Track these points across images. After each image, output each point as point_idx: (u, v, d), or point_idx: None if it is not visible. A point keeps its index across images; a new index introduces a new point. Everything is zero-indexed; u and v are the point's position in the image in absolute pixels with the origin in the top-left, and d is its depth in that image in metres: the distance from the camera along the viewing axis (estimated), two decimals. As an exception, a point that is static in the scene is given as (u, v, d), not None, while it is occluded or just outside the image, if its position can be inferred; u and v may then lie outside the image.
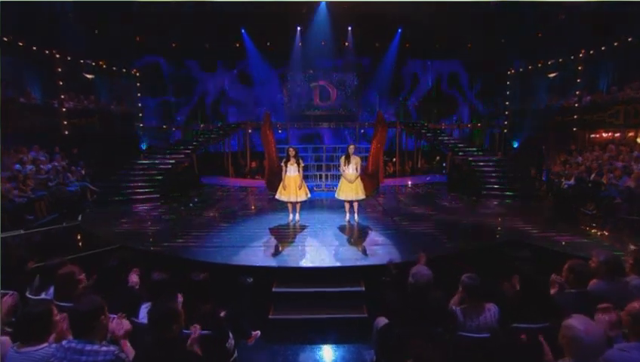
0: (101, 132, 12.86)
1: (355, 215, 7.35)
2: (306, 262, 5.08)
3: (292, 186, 7.13)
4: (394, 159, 15.39)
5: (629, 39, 9.76)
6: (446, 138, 13.39)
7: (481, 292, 2.76)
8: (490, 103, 15.24)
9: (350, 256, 5.29)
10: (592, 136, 11.44)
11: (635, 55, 10.03)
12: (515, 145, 13.85)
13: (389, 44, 15.91)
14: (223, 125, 16.82)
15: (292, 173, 7.18)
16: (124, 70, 14.44)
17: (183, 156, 12.92)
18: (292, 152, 7.17)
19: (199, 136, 14.86)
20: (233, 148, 16.34)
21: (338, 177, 12.93)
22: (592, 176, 9.04)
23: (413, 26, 13.84)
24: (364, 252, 5.48)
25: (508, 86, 14.41)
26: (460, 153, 11.53)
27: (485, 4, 11.64)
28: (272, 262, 5.12)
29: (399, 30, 15.60)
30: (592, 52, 11.03)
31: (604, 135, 11.08)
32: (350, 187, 7.09)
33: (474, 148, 12.41)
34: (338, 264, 5.02)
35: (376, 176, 11.62)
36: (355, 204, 7.33)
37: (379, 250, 5.53)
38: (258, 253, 5.46)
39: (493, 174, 10.23)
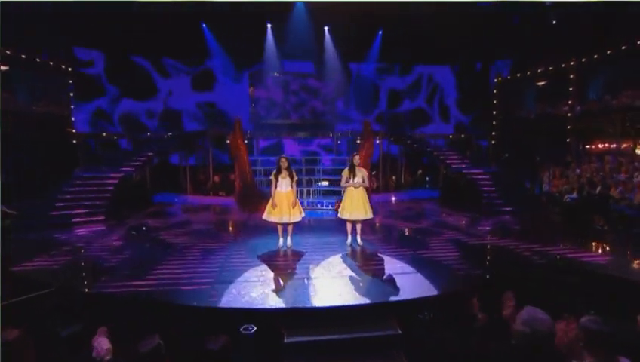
0: (18, 138, 11.08)
1: (358, 237, 6.81)
2: (320, 301, 4.41)
3: (284, 204, 6.45)
4: (373, 173, 15.19)
5: (623, 47, 10.40)
6: (435, 149, 13.41)
7: (611, 341, 2.29)
8: (476, 112, 15.64)
9: (374, 290, 4.71)
10: (587, 146, 11.96)
11: (628, 63, 10.68)
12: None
13: (370, 47, 15.94)
14: (178, 134, 15.72)
15: (284, 188, 6.51)
16: (53, 63, 12.83)
17: (132, 169, 11.70)
18: (284, 163, 6.51)
19: (153, 145, 13.64)
20: (190, 161, 15.28)
21: (318, 193, 12.63)
22: (598, 189, 9.29)
23: (396, 28, 13.93)
24: (390, 284, 4.92)
25: (495, 94, 14.88)
26: (454, 166, 11.49)
27: (472, 4, 11.96)
28: (277, 303, 4.38)
29: (380, 32, 15.68)
30: (584, 60, 11.66)
31: (600, 145, 11.62)
32: (358, 204, 6.58)
33: (465, 160, 12.50)
34: (363, 301, 4.40)
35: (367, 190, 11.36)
36: (359, 226, 6.80)
37: (405, 280, 5.02)
38: (255, 291, 4.69)
39: (493, 188, 10.23)
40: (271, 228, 8.11)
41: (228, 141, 15.61)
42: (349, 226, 6.89)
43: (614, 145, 11.16)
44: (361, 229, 6.83)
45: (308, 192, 12.12)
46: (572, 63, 12.00)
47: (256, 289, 4.76)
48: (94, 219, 8.96)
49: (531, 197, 10.30)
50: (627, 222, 7.94)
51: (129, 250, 6.64)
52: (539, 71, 13.06)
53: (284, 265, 5.74)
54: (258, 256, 6.21)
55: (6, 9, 8.99)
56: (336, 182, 12.74)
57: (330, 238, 7.35)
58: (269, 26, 15.23)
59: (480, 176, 10.95)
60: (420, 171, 16.96)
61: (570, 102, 12.19)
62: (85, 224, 8.52)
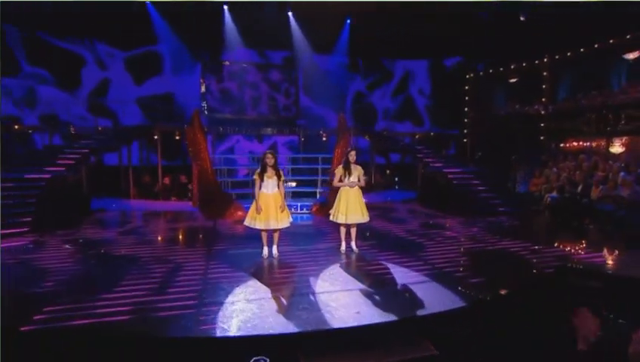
0: None
1: (353, 243, 6.47)
2: (339, 320, 3.96)
3: (271, 208, 5.92)
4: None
5: (595, 45, 11.13)
6: (409, 147, 13.50)
7: None
8: (448, 108, 16.03)
9: (394, 304, 4.35)
10: (562, 145, 12.66)
11: (601, 62, 11.45)
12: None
13: (337, 38, 15.73)
14: (118, 129, 14.38)
15: (270, 189, 5.98)
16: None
17: (63, 169, 10.36)
18: (270, 160, 5.97)
19: (93, 140, 12.28)
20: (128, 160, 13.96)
21: (286, 195, 12.01)
22: (580, 188, 9.77)
23: (366, 18, 13.86)
24: (409, 296, 4.60)
25: (467, 90, 15.35)
26: (435, 165, 11.58)
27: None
28: (287, 326, 3.86)
29: (347, 21, 15.52)
30: (557, 57, 12.34)
31: (575, 144, 12.35)
32: (354, 206, 6.22)
33: (441, 159, 12.69)
34: (388, 317, 4.02)
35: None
36: (354, 230, 6.45)
37: (423, 291, 4.73)
38: (254, 313, 4.14)
39: (484, 188, 10.41)
40: (249, 236, 7.61)
41: (177, 137, 14.79)
42: (342, 231, 6.52)
43: (588, 144, 11.89)
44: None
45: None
46: (545, 60, 12.65)
47: (256, 309, 4.21)
48: (16, 231, 7.68)
49: (519, 196, 10.59)
50: (614, 222, 8.36)
51: (73, 269, 5.70)
52: (512, 67, 13.64)
53: (279, 279, 5.21)
54: (243, 269, 5.60)
55: (6, 9, 9.05)
56: (307, 183, 12.34)
57: (318, 245, 6.97)
58: (225, 8, 14.44)
59: (462, 176, 11.11)
60: (389, 171, 17.07)
61: (543, 99, 12.83)
62: (4, 238, 7.24)
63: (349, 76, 16.68)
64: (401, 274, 5.33)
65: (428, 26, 13.86)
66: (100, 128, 13.91)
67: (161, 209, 11.40)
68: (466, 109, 15.41)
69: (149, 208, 11.45)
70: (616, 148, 11.09)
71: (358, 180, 6.35)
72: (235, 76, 16.40)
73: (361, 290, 4.77)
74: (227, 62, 16.27)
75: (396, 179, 16.52)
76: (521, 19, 12.90)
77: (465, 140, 15.29)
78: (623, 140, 11.02)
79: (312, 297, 4.59)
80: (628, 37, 10.43)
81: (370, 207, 6.72)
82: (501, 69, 13.99)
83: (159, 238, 7.78)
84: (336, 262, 5.95)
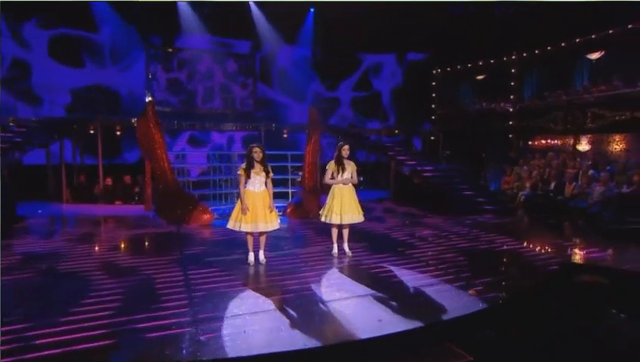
0: None
1: (346, 244, 6.31)
2: (361, 331, 3.76)
3: (259, 208, 5.60)
4: (300, 173, 14.87)
5: (563, 44, 11.92)
6: (379, 145, 13.64)
7: None
8: (415, 104, 16.41)
9: (414, 310, 4.24)
10: (530, 143, 13.42)
11: (567, 61, 12.28)
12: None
13: (300, 28, 15.55)
14: (46, 121, 13.06)
15: (257, 187, 5.66)
16: None
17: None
18: (258, 154, 5.65)
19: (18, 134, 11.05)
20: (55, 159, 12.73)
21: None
22: (552, 185, 10.38)
23: (330, 9, 13.83)
24: (425, 300, 4.52)
25: (434, 87, 15.81)
26: (409, 163, 11.75)
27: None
28: (307, 340, 3.58)
29: (311, 10, 15.40)
30: (525, 55, 13.07)
31: (543, 142, 13.13)
32: (349, 205, 6.07)
33: (413, 156, 12.93)
34: (411, 325, 3.89)
35: (318, 193, 10.89)
36: (347, 231, 6.29)
37: (437, 294, 4.67)
38: (261, 327, 3.84)
39: (463, 186, 10.70)
40: (223, 241, 7.28)
41: (118, 132, 13.76)
42: (334, 233, 6.34)
43: (556, 142, 12.71)
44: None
45: (226, 196, 10.93)
46: (513, 58, 13.36)
47: (265, 324, 3.89)
48: None
49: (512, 196, 11.02)
50: (589, 218, 8.95)
51: (16, 287, 4.98)
52: (479, 64, 14.25)
53: (278, 288, 4.90)
54: (230, 278, 5.22)
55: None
56: (275, 183, 11.96)
57: (306, 249, 6.76)
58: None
59: (438, 173, 11.37)
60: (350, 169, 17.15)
61: (511, 97, 13.53)
62: None
63: (312, 68, 16.52)
64: (408, 277, 5.24)
65: (395, 19, 14.14)
66: (13, 119, 12.43)
67: (104, 214, 10.50)
68: (433, 106, 15.86)
69: (89, 213, 10.50)
70: (583, 146, 11.94)
71: (351, 177, 6.19)
72: (186, 65, 15.63)
73: (373, 296, 4.61)
74: (179, 49, 15.50)
75: (361, 178, 16.60)
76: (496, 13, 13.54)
77: (432, 138, 15.74)
78: (589, 138, 11.90)
79: (322, 306, 4.35)
80: (593, 36, 11.27)
81: None
82: (469, 65, 14.56)
83: (116, 247, 7.07)
84: (334, 267, 5.75)
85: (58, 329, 3.74)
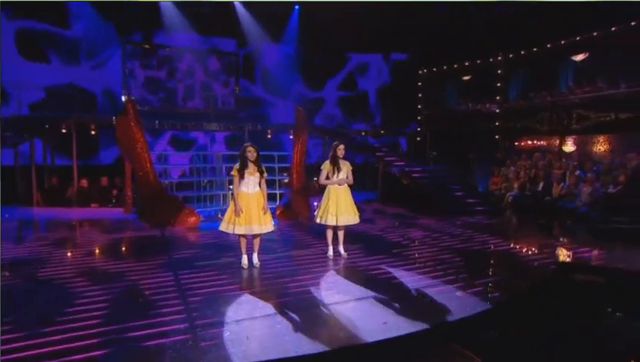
0: None
1: (342, 247, 6.30)
2: (367, 334, 3.74)
3: (253, 209, 5.53)
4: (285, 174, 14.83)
5: (548, 45, 12.24)
6: (365, 145, 13.72)
7: None
8: (401, 104, 16.53)
9: (418, 311, 4.25)
10: (516, 143, 13.70)
11: (552, 62, 12.60)
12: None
13: (285, 25, 15.49)
14: (15, 119, 12.58)
15: (251, 188, 5.59)
16: None
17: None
18: (252, 154, 5.58)
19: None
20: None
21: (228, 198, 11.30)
22: (541, 186, 10.62)
23: (316, 7, 13.84)
24: (429, 301, 4.52)
25: (420, 87, 15.99)
26: (399, 163, 11.84)
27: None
28: (313, 345, 3.54)
29: (296, 8, 15.36)
30: (511, 56, 13.35)
31: (529, 143, 13.43)
32: (346, 206, 6.05)
33: (401, 157, 13.04)
34: (417, 326, 3.89)
35: (306, 194, 10.85)
36: (342, 233, 6.28)
37: (440, 295, 4.69)
38: (265, 332, 3.79)
39: (451, 187, 10.83)
40: (213, 244, 7.22)
41: (93, 131, 13.39)
42: (329, 234, 6.31)
43: (542, 143, 13.02)
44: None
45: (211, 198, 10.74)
46: (500, 59, 13.63)
47: (266, 329, 3.85)
48: None
49: (501, 196, 11.21)
50: (577, 218, 9.20)
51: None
52: (466, 64, 14.48)
53: (276, 291, 4.84)
54: (224, 282, 5.13)
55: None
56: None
57: (300, 251, 6.70)
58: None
59: (428, 175, 11.49)
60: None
61: (497, 98, 13.80)
62: None
63: (296, 67, 16.45)
64: (408, 279, 5.26)
65: (381, 19, 14.24)
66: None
67: (80, 217, 10.16)
68: (419, 106, 16.03)
69: (63, 217, 10.16)
70: (569, 146, 12.27)
71: (346, 177, 6.18)
72: (166, 63, 15.36)
73: (375, 298, 4.60)
74: (159, 46, 15.22)
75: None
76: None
77: (419, 138, 15.90)
78: (574, 139, 12.24)
79: (324, 309, 4.31)
80: (577, 38, 11.61)
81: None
82: (455, 65, 14.79)
83: (97, 252, 6.85)
84: (331, 269, 5.73)
85: (45, 339, 3.59)
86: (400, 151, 14.00)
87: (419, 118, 16.09)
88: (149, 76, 15.48)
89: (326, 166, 6.16)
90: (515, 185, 11.39)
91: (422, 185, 11.05)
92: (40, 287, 5.04)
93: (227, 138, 15.86)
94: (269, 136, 16.24)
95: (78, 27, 14.13)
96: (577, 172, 10.27)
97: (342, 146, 6.21)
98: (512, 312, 4.49)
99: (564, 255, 6.55)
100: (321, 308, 4.37)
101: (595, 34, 11.27)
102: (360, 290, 4.85)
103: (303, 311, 4.25)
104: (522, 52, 12.94)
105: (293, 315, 4.17)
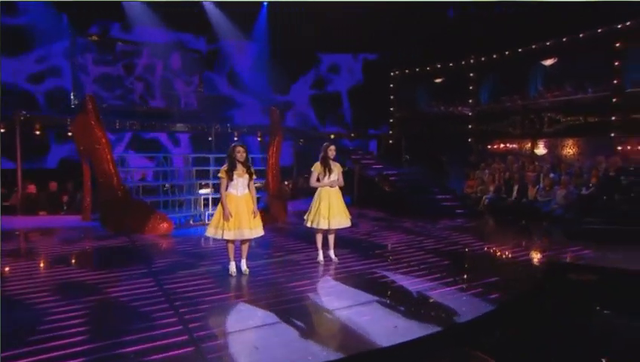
0: None
1: (332, 251, 6.32)
2: (380, 338, 3.76)
3: (243, 213, 5.44)
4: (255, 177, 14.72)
5: (519, 49, 12.88)
6: (347, 148, 13.86)
7: None
8: (373, 107, 16.81)
9: (426, 314, 4.33)
10: (489, 146, 14.28)
11: (523, 66, 13.28)
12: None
13: (254, 23, 15.38)
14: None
15: (240, 190, 5.51)
16: None
17: None
18: (242, 154, 5.51)
19: None
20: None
21: (196, 204, 10.94)
22: (516, 188, 11.13)
23: (284, 5, 13.88)
24: (435, 304, 4.61)
25: (392, 89, 16.34)
26: (376, 166, 12.03)
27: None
28: (326, 352, 3.52)
29: (264, 5, 15.31)
30: (483, 59, 13.93)
31: (501, 146, 14.03)
32: (338, 209, 6.07)
33: (377, 160, 13.27)
34: (429, 329, 3.96)
35: (283, 198, 10.80)
36: (332, 237, 6.30)
37: (443, 297, 4.80)
38: (273, 341, 3.73)
39: (430, 190, 11.11)
40: (192, 251, 7.06)
41: (37, 132, 12.68)
42: (319, 239, 6.30)
43: (514, 146, 13.65)
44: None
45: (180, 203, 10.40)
46: (472, 62, 14.19)
47: (273, 338, 3.77)
48: None
49: (478, 199, 11.59)
50: (553, 220, 9.71)
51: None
52: (438, 67, 14.97)
53: (273, 299, 4.74)
54: (215, 291, 5.00)
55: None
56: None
57: (288, 257, 6.63)
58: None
59: (402, 178, 11.74)
60: (306, 175, 17.23)
61: (470, 101, 14.35)
62: None
63: (266, 67, 16.33)
64: (406, 282, 5.33)
65: (354, 19, 14.47)
66: None
67: (27, 227, 9.52)
68: (391, 109, 16.37)
69: (7, 227, 9.44)
70: (540, 149, 12.95)
71: (337, 179, 6.20)
72: (124, 58, 14.82)
73: (379, 302, 4.63)
74: (117, 40, 14.67)
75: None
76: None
77: (391, 141, 16.23)
78: (545, 142, 12.93)
79: (329, 316, 4.30)
80: (547, 43, 12.31)
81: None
82: (427, 68, 15.25)
83: (61, 263, 6.45)
84: (325, 275, 5.72)
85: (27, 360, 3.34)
86: (373, 155, 14.21)
87: (391, 120, 16.42)
88: (104, 72, 14.87)
89: (316, 167, 6.15)
90: (491, 188, 11.87)
91: (399, 188, 11.27)
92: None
93: (192, 139, 15.51)
94: (236, 139, 16.05)
95: (24, 15, 13.35)
96: (551, 174, 10.86)
97: (333, 147, 6.22)
98: (517, 312, 4.67)
99: (549, 255, 6.88)
100: (326, 314, 4.35)
101: (564, 39, 11.99)
102: (361, 295, 4.86)
103: (308, 318, 4.22)
104: (494, 55, 13.54)
105: (299, 322, 4.12)
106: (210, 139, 15.28)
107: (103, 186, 9.10)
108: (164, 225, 8.28)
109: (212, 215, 9.65)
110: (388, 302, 4.65)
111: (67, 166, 13.43)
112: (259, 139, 15.78)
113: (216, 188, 11.25)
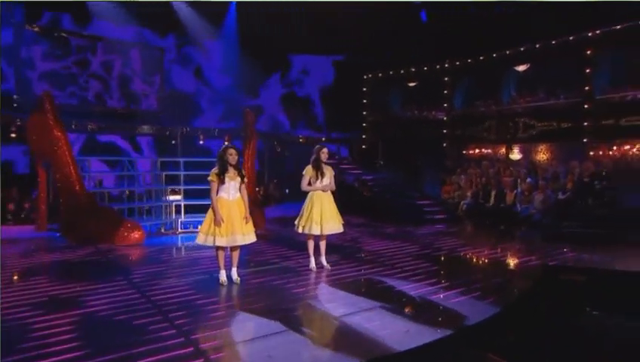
0: None
1: (324, 258, 6.39)
2: (396, 343, 3.88)
3: (235, 218, 5.45)
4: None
5: (494, 54, 13.52)
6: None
7: None
8: (346, 111, 17.03)
9: (433, 318, 4.49)
10: (464, 151, 14.83)
11: (497, 71, 13.93)
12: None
13: (221, 22, 15.28)
14: None
15: (232, 194, 5.52)
16: None
17: None
18: (234, 157, 5.52)
19: None
20: None
21: (165, 210, 10.65)
22: (494, 194, 11.62)
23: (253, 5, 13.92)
24: (441, 308, 4.78)
25: (365, 92, 16.66)
26: (355, 171, 12.23)
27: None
28: (341, 359, 3.60)
29: (233, 4, 15.26)
30: (457, 63, 14.49)
31: (476, 151, 14.60)
32: (331, 214, 6.17)
33: (354, 165, 13.49)
34: (441, 333, 4.11)
35: (259, 203, 10.77)
36: (324, 243, 6.39)
37: (446, 301, 4.99)
38: (287, 350, 3.76)
39: (410, 195, 11.41)
40: (173, 260, 6.87)
41: None
42: (311, 245, 6.37)
43: (489, 151, 14.25)
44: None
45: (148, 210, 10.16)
46: (446, 66, 14.73)
47: (282, 346, 3.79)
48: None
49: (457, 204, 11.97)
50: (531, 224, 10.23)
51: None
52: (412, 70, 15.43)
53: (275, 307, 4.74)
54: (211, 299, 4.95)
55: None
56: (200, 194, 11.43)
57: (278, 264, 6.67)
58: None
59: (380, 182, 12.01)
60: (276, 180, 17.20)
61: (445, 105, 14.87)
62: None
63: (233, 68, 16.21)
64: (406, 287, 5.48)
65: (327, 21, 14.68)
66: None
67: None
68: (364, 112, 16.68)
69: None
70: (515, 154, 13.60)
71: (329, 182, 6.29)
72: (78, 53, 14.31)
73: (383, 308, 4.74)
74: (70, 34, 14.15)
75: (287, 190, 16.70)
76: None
77: (364, 146, 16.52)
78: (520, 147, 13.60)
79: (336, 322, 4.37)
80: (521, 49, 13.00)
81: (289, 222, 6.79)
82: (401, 71, 15.68)
83: (28, 276, 6.15)
84: (321, 282, 5.79)
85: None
86: (349, 159, 14.42)
87: (364, 124, 16.72)
88: (53, 68, 14.27)
89: (308, 171, 6.20)
90: (468, 194, 12.33)
91: (379, 194, 11.51)
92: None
93: (155, 143, 15.15)
94: (202, 142, 15.86)
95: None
96: (528, 179, 11.42)
97: (325, 150, 6.30)
98: (522, 313, 4.91)
99: (537, 258, 7.26)
100: (333, 320, 4.41)
101: (537, 45, 12.71)
102: (363, 301, 4.96)
103: (317, 325, 4.29)
104: (469, 60, 14.13)
105: (307, 330, 4.17)
106: (173, 142, 15.00)
107: (63, 192, 8.75)
108: (136, 234, 8.04)
109: (185, 222, 9.66)
110: (392, 307, 4.77)
111: (9, 171, 12.72)
112: (226, 143, 15.59)
113: (189, 194, 11.08)
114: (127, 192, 11.69)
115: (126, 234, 7.98)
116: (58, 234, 8.80)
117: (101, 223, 8.22)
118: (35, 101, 10.43)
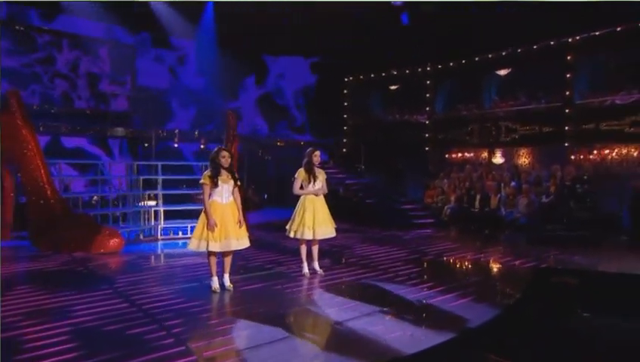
0: None
1: (316, 262, 6.49)
2: (403, 346, 4.00)
3: (229, 222, 5.49)
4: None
5: (476, 58, 13.92)
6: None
7: None
8: (326, 114, 17.17)
9: (435, 322, 4.63)
10: (447, 156, 15.16)
11: (478, 75, 14.35)
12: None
13: (198, 21, 15.22)
14: None
15: (226, 198, 5.56)
16: None
17: None
18: (227, 159, 5.55)
19: None
20: None
21: (143, 216, 10.47)
22: (478, 198, 11.96)
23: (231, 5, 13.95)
24: (440, 311, 4.94)
25: (346, 95, 16.86)
26: (339, 176, 12.37)
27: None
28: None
29: (210, 4, 15.22)
30: (439, 66, 14.85)
31: (459, 155, 14.96)
32: (323, 218, 6.28)
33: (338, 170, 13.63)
34: (445, 336, 4.25)
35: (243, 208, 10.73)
36: (316, 247, 6.48)
37: (445, 303, 5.15)
38: (295, 356, 3.82)
39: (396, 200, 11.62)
40: (156, 268, 6.80)
41: None
42: (303, 250, 6.44)
43: (471, 155, 14.63)
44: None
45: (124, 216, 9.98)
46: (428, 69, 15.08)
47: (290, 352, 3.86)
48: None
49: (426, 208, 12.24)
50: (516, 228, 10.60)
51: None
52: (394, 73, 15.71)
53: (273, 313, 4.78)
54: (207, 307, 4.96)
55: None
56: (179, 199, 11.30)
57: (270, 270, 6.73)
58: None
59: (363, 187, 12.18)
60: (253, 186, 17.17)
61: (427, 108, 15.20)
62: None
63: (210, 68, 16.13)
64: (403, 291, 5.63)
65: (306, 22, 14.82)
66: None
67: None
68: (345, 116, 16.87)
69: None
70: (498, 158, 14.02)
71: (321, 186, 6.38)
72: (42, 50, 13.96)
73: (384, 312, 4.86)
74: (34, 29, 13.81)
75: (265, 196, 16.69)
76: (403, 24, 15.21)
77: (345, 150, 16.69)
78: (502, 151, 14.03)
79: (340, 327, 4.44)
80: (503, 53, 13.46)
81: (272, 228, 6.88)
82: (383, 74, 15.94)
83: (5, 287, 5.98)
84: (317, 287, 5.88)
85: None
86: (332, 163, 14.53)
87: (345, 127, 16.90)
88: (13, 66, 13.85)
89: (300, 174, 6.28)
90: (452, 198, 12.64)
91: (363, 199, 11.68)
92: None
93: (127, 146, 14.90)
94: (176, 145, 15.71)
95: None
96: (513, 183, 11.81)
97: (318, 153, 6.40)
98: (523, 315, 5.12)
99: (530, 261, 7.54)
100: (336, 326, 4.48)
101: (518, 50, 13.18)
102: (363, 306, 5.05)
103: (320, 331, 4.36)
104: (451, 63, 14.51)
105: (312, 335, 4.24)
106: (146, 145, 14.79)
107: (33, 197, 8.51)
108: (114, 241, 7.90)
109: (165, 229, 9.56)
110: (393, 311, 4.90)
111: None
112: (202, 146, 15.51)
113: (166, 200, 10.92)
114: (95, 197, 11.45)
115: (103, 241, 7.83)
116: (27, 243, 8.55)
117: (75, 230, 8.05)
118: (-2, 100, 10.13)
